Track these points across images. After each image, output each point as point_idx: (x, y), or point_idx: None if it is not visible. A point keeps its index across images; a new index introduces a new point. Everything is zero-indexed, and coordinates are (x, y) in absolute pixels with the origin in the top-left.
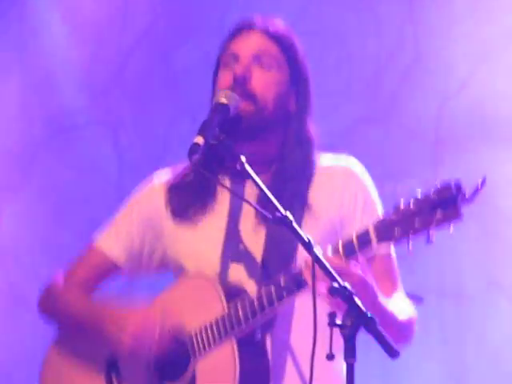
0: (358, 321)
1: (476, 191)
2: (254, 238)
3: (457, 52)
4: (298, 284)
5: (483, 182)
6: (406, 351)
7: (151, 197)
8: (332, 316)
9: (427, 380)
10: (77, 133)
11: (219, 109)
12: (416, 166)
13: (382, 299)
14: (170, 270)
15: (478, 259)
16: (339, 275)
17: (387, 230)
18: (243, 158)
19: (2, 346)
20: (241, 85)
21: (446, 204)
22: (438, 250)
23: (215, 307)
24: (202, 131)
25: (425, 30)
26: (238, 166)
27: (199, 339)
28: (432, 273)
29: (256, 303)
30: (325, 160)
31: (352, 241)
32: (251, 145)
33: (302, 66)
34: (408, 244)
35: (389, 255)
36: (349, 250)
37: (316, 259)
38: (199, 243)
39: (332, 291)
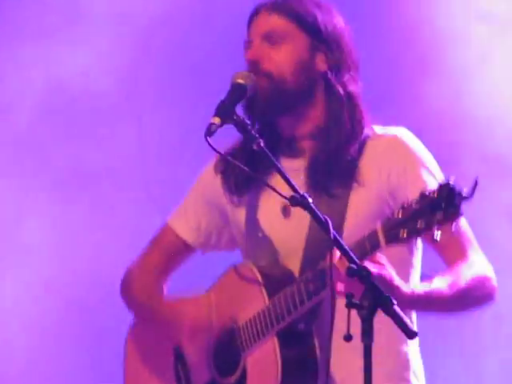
0: (375, 302)
1: (474, 187)
2: (301, 223)
3: None
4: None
5: (477, 181)
6: None
7: (211, 178)
8: (349, 297)
9: None
10: (100, 116)
11: (236, 89)
12: None
13: (406, 288)
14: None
15: None
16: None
17: (394, 230)
18: (260, 140)
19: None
20: (255, 67)
21: (445, 203)
22: None
23: (257, 299)
24: (218, 111)
25: None
26: (255, 147)
27: (245, 333)
28: None
29: (297, 296)
30: (374, 130)
31: (364, 243)
32: (293, 119)
33: (322, 26)
34: (415, 242)
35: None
36: (362, 253)
37: (334, 240)
38: (251, 225)
39: (349, 272)
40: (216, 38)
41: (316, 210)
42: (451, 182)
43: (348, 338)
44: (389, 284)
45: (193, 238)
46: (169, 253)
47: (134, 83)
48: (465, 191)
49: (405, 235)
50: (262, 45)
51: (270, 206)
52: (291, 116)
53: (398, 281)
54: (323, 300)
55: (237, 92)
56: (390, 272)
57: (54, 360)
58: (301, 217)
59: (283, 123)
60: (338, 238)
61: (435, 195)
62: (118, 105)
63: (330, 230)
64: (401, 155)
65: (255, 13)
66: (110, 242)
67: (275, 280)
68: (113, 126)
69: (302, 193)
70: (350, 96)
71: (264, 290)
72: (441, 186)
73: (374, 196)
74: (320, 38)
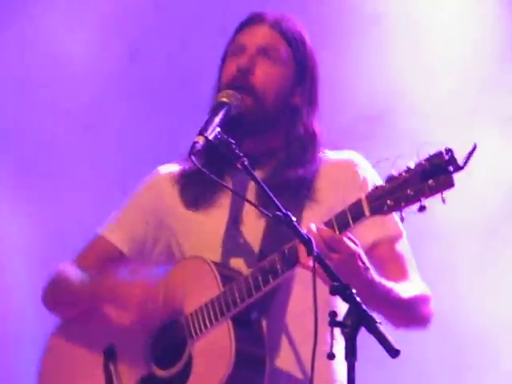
0: (359, 320)
1: (468, 157)
2: (254, 230)
3: None
4: (290, 262)
5: (474, 149)
6: None
7: (158, 187)
8: (332, 315)
9: None
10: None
11: (220, 108)
12: None
13: (375, 275)
14: (173, 261)
15: None
16: (329, 247)
17: (379, 200)
18: (244, 159)
19: None
20: (243, 75)
21: (438, 171)
22: None
23: (211, 287)
24: (202, 130)
25: None
26: (239, 165)
27: (195, 320)
28: None
29: (251, 282)
30: (328, 155)
31: (345, 213)
32: (255, 139)
33: (309, 64)
34: (401, 214)
35: (393, 240)
36: (342, 223)
37: (317, 259)
38: (201, 234)
39: (333, 290)
40: (201, 50)
41: (299, 228)
42: (449, 148)
43: (331, 356)
44: (362, 262)
45: (127, 247)
46: (102, 260)
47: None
48: (459, 160)
49: (392, 203)
50: (256, 55)
51: (222, 216)
52: (254, 136)
53: (368, 263)
54: (277, 290)
55: (221, 111)
56: (363, 253)
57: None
58: (254, 227)
59: (248, 143)
60: (320, 256)
61: (428, 162)
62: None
63: (313, 248)
64: (356, 176)
65: (257, 21)
66: None
67: (228, 272)
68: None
69: (285, 212)
70: (312, 135)
71: (218, 278)
72: (436, 153)
73: (327, 210)
74: (303, 73)
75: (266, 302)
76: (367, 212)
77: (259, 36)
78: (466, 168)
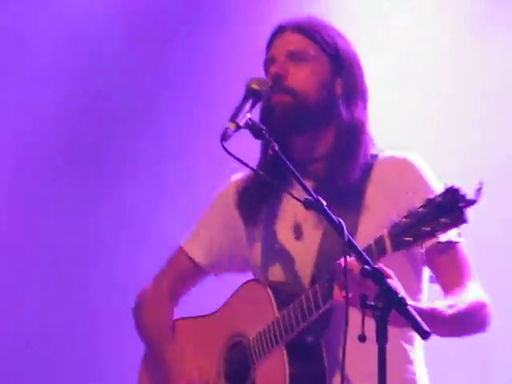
0: (389, 303)
1: (479, 191)
2: (312, 243)
3: None
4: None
5: (481, 186)
6: None
7: (228, 199)
8: (363, 298)
9: None
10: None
11: (250, 94)
12: None
13: (411, 300)
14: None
15: None
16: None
17: (400, 236)
18: (275, 144)
19: None
20: (278, 82)
21: (450, 207)
22: None
23: (267, 312)
24: (233, 117)
25: None
26: (270, 151)
27: (255, 346)
28: None
29: (305, 306)
30: (383, 154)
31: (371, 248)
32: (304, 138)
33: (341, 52)
34: (421, 247)
35: (450, 245)
36: (369, 257)
37: (348, 242)
38: (260, 250)
39: (363, 273)
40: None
41: (330, 213)
42: (456, 187)
43: (362, 338)
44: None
45: (206, 261)
46: (182, 276)
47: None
48: (469, 195)
49: (412, 240)
50: (286, 62)
51: (282, 228)
52: (307, 137)
53: (403, 292)
54: (331, 311)
55: (251, 98)
56: (397, 281)
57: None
58: (311, 239)
59: (298, 144)
60: (351, 240)
61: (440, 199)
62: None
63: (343, 232)
64: (409, 178)
65: (279, 31)
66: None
67: (285, 295)
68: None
69: (316, 196)
70: (359, 123)
71: (274, 304)
72: (446, 190)
73: (381, 220)
74: (339, 64)
75: (322, 324)
76: (389, 249)
77: (284, 43)
78: (477, 203)
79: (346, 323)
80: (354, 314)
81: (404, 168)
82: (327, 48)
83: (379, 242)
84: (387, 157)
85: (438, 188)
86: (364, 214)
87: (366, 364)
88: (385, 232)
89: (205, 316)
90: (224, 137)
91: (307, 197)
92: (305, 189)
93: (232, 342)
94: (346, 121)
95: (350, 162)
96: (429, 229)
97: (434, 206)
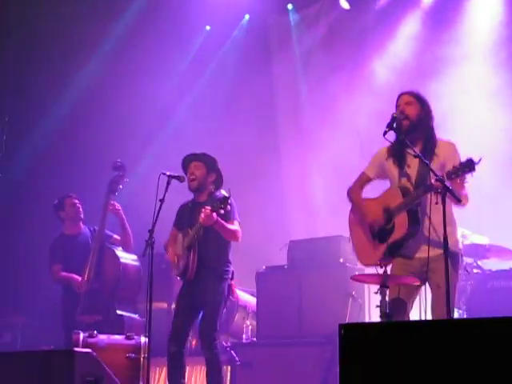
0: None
1: (479, 161)
2: (414, 169)
3: None
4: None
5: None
6: None
7: (381, 153)
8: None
9: None
10: None
11: (393, 118)
12: None
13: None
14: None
15: None
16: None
17: (450, 174)
18: (407, 141)
19: None
20: (402, 113)
21: (469, 164)
22: None
23: (399, 199)
24: (388, 126)
25: None
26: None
27: (395, 210)
28: None
29: (415, 194)
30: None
31: (443, 177)
32: (413, 135)
33: (424, 104)
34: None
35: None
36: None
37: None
38: (396, 176)
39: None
40: None
41: (433, 170)
42: (471, 158)
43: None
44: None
45: (372, 175)
46: (363, 182)
47: None
48: (476, 161)
49: (452, 176)
50: (404, 106)
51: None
52: (413, 134)
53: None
54: (425, 199)
55: (393, 120)
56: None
57: None
58: (413, 169)
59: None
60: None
61: (466, 161)
62: None
63: (438, 176)
64: (451, 149)
65: (401, 94)
66: None
67: (405, 191)
68: None
69: (427, 161)
70: (432, 131)
71: (400, 195)
72: (468, 159)
73: (441, 164)
74: (423, 107)
75: (420, 202)
76: (446, 178)
77: (404, 99)
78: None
79: (430, 201)
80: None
81: (449, 144)
82: (420, 101)
83: (447, 173)
84: (441, 139)
85: (459, 155)
86: (435, 160)
87: (439, 216)
88: (445, 172)
89: (373, 199)
90: (389, 128)
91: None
92: (430, 168)
93: (384, 209)
94: (429, 131)
95: (432, 141)
96: (459, 171)
97: (463, 164)
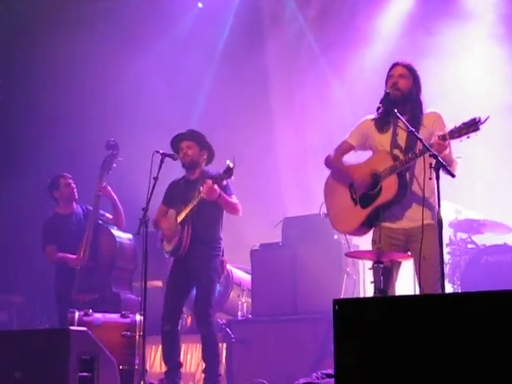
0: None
1: (485, 120)
2: (402, 138)
3: None
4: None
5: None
6: None
7: (366, 122)
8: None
9: None
10: None
11: (385, 96)
12: None
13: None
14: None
15: None
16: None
17: (453, 133)
18: (396, 111)
19: None
20: (394, 85)
21: (474, 124)
22: None
23: (389, 162)
24: (381, 102)
25: None
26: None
27: (384, 173)
28: None
29: (404, 160)
30: (426, 111)
31: (445, 136)
32: (402, 106)
33: (417, 77)
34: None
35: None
36: (444, 138)
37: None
38: (383, 143)
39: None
40: None
41: (419, 137)
42: (474, 117)
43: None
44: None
45: (356, 144)
46: (345, 150)
47: None
48: (481, 121)
49: (455, 135)
50: (398, 77)
51: (392, 132)
52: (401, 105)
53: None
54: (414, 165)
55: (387, 96)
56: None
57: None
58: (401, 138)
59: (399, 108)
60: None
61: (470, 121)
62: None
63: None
64: (438, 119)
65: (395, 64)
66: None
67: (395, 156)
68: None
69: (413, 130)
70: (420, 102)
71: (391, 158)
72: (473, 119)
73: (429, 132)
74: (415, 80)
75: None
76: (448, 137)
77: (398, 70)
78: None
79: (424, 168)
80: (421, 164)
81: (436, 115)
82: (413, 74)
83: (447, 134)
84: (428, 111)
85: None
86: (422, 128)
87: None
88: (446, 131)
89: (357, 164)
90: (382, 104)
91: (412, 129)
92: (410, 129)
93: (372, 173)
94: (416, 101)
95: (418, 111)
96: (463, 131)
97: (468, 123)
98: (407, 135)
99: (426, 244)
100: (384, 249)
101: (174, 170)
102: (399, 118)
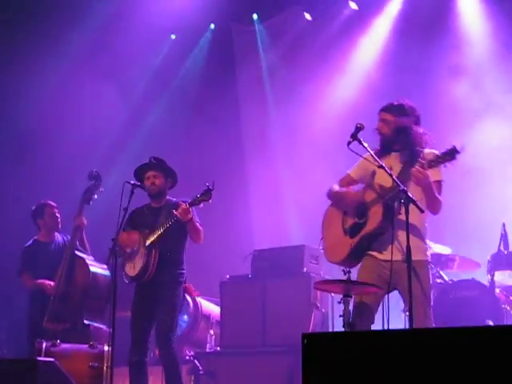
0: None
1: (461, 149)
2: (396, 173)
3: None
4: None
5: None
6: None
7: (366, 163)
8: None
9: None
10: None
11: (357, 129)
12: None
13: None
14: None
15: None
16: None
17: (432, 162)
18: (372, 153)
19: None
20: (377, 130)
21: (451, 153)
22: None
23: (375, 197)
24: (352, 136)
25: None
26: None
27: (370, 203)
28: None
29: (391, 192)
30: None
31: (423, 165)
32: (399, 144)
33: (401, 112)
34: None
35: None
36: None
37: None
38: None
39: (422, 166)
40: None
41: (396, 180)
42: (454, 146)
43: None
44: (428, 180)
45: (357, 178)
46: (348, 183)
47: None
48: (459, 149)
49: (432, 163)
50: (379, 123)
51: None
52: (395, 144)
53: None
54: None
55: (357, 130)
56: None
57: None
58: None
59: (393, 146)
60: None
61: (449, 150)
62: None
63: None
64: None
65: (380, 110)
66: None
67: (389, 190)
68: None
69: (389, 172)
70: (419, 135)
71: (377, 195)
72: (450, 148)
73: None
74: (406, 116)
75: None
76: (426, 167)
77: (381, 115)
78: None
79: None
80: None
81: (432, 152)
82: (400, 114)
83: (427, 162)
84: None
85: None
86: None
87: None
88: (425, 161)
89: (358, 190)
90: (352, 138)
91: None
92: (392, 178)
93: (358, 204)
94: (413, 136)
95: (415, 149)
96: (441, 159)
97: (446, 152)
98: (401, 168)
99: (415, 281)
100: (370, 279)
101: (141, 200)
102: (369, 151)
